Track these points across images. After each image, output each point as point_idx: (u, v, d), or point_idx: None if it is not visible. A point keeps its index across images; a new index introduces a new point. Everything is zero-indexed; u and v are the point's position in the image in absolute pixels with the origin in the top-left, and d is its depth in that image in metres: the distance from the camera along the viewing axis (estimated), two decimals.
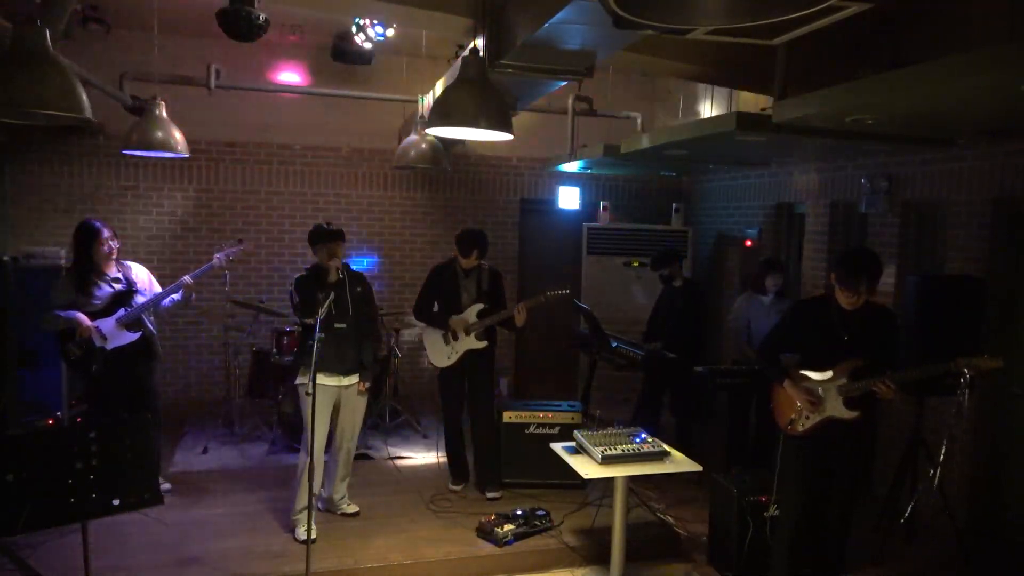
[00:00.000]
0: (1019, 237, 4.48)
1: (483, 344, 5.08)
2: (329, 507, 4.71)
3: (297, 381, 4.48)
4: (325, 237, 4.46)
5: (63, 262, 5.65)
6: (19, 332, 5.32)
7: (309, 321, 4.22)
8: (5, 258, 5.54)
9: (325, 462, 4.57)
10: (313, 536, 4.31)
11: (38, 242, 6.24)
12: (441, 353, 5.12)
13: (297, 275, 4.57)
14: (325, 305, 3.96)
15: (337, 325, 4.35)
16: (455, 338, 5.05)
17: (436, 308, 5.17)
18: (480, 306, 5.07)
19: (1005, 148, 4.38)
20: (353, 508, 4.75)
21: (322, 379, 4.08)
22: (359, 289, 4.56)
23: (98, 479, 2.96)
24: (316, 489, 4.22)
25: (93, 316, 4.57)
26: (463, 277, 5.11)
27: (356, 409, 4.61)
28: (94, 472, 2.95)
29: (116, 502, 3.00)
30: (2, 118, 3.28)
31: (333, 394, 4.43)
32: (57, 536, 4.03)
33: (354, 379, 4.52)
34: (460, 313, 5.06)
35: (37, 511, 2.84)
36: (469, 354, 5.06)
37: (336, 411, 4.52)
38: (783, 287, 5.69)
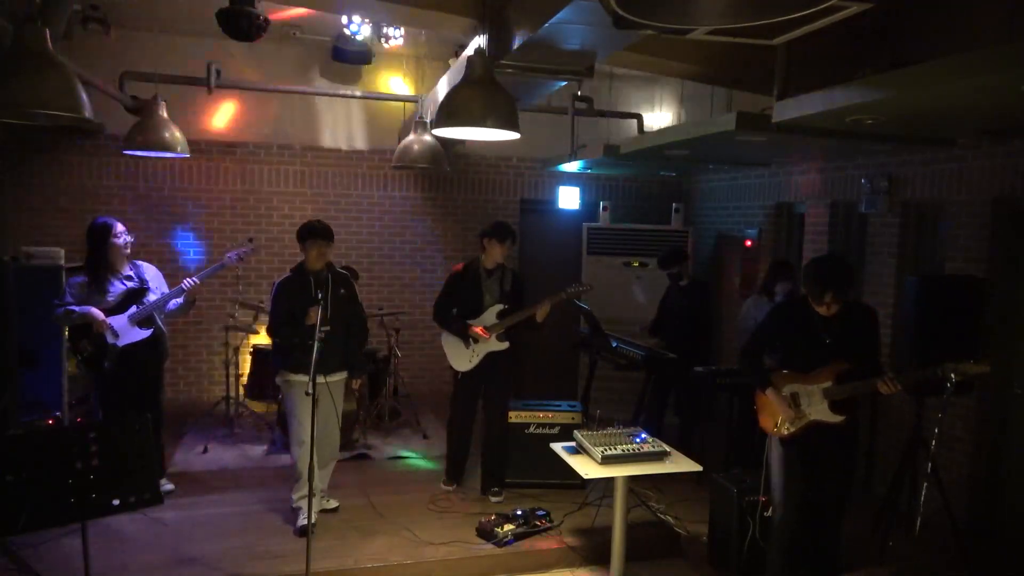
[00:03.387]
0: (1019, 237, 4.48)
1: (504, 345, 4.99)
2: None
3: (284, 378, 4.42)
4: (318, 234, 4.31)
5: (63, 262, 5.63)
6: (19, 332, 5.31)
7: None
8: (5, 258, 5.53)
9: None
10: (313, 521, 4.23)
11: (38, 242, 6.22)
12: (462, 357, 5.03)
13: (278, 280, 4.44)
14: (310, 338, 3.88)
15: (322, 328, 4.18)
16: (475, 340, 4.97)
17: (455, 311, 5.04)
18: (500, 307, 4.98)
19: (1005, 148, 4.38)
20: (332, 504, 4.75)
21: (303, 377, 4.02)
22: (343, 291, 4.47)
23: (98, 479, 2.96)
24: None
25: (105, 313, 4.59)
26: (486, 278, 5.03)
27: (332, 404, 4.45)
28: (94, 472, 2.95)
29: (116, 502, 3.00)
30: (2, 118, 3.29)
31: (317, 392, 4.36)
32: (57, 536, 4.03)
33: (336, 377, 4.46)
34: (479, 315, 4.97)
35: (37, 511, 2.83)
36: (489, 356, 4.99)
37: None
38: (791, 292, 5.69)
